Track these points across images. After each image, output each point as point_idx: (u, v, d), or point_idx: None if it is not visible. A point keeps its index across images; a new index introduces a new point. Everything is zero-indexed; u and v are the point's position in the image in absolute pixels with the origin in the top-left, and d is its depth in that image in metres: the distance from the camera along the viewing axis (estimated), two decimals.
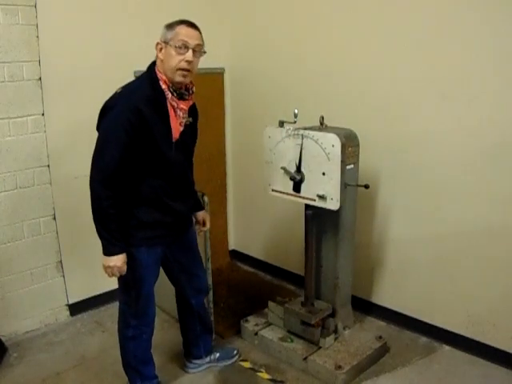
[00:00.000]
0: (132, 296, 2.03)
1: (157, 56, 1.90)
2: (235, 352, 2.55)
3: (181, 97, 1.92)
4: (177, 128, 1.93)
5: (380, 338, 2.55)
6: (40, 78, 2.63)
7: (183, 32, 1.83)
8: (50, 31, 2.61)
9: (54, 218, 2.81)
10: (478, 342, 2.49)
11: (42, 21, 2.57)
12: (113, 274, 1.92)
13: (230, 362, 2.51)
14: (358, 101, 2.74)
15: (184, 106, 1.93)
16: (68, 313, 2.97)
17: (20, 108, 2.59)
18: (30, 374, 2.43)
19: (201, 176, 3.31)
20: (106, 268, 1.91)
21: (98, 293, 3.03)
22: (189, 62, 1.83)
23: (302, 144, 2.28)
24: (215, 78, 3.41)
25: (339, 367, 2.31)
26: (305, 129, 2.29)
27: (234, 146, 3.62)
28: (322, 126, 2.36)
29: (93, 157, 1.86)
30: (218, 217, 3.53)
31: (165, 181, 1.95)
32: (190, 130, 2.03)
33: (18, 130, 2.60)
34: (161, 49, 1.87)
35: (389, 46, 2.56)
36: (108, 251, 1.89)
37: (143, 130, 1.81)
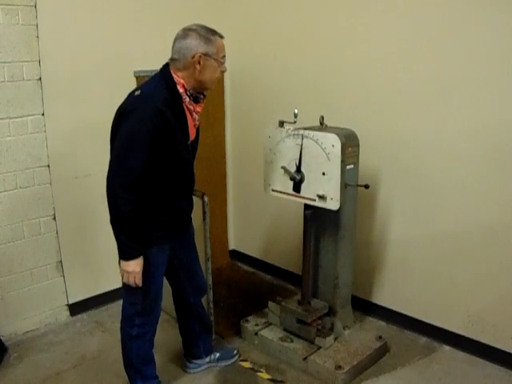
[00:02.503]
0: (139, 294, 2.02)
1: (187, 65, 1.86)
2: (235, 352, 2.55)
3: (196, 100, 1.94)
4: (192, 130, 1.97)
5: (380, 337, 2.55)
6: (40, 78, 2.63)
7: (222, 45, 1.94)
8: (50, 31, 2.61)
9: (54, 218, 2.81)
10: (478, 342, 2.49)
11: (42, 21, 2.57)
12: (129, 281, 1.90)
13: (229, 362, 2.51)
14: (358, 101, 2.74)
15: (199, 109, 1.97)
16: (68, 313, 2.97)
17: (20, 108, 2.58)
18: (30, 374, 2.43)
19: (201, 176, 3.30)
20: (124, 272, 1.89)
21: (97, 293, 3.02)
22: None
23: (302, 144, 2.28)
24: None
25: (339, 367, 2.31)
26: (305, 129, 2.29)
27: (234, 146, 3.61)
28: (322, 126, 2.36)
29: (114, 161, 1.82)
30: (217, 217, 3.53)
31: (179, 182, 1.97)
32: (196, 132, 2.06)
33: (18, 130, 2.60)
34: (199, 61, 1.86)
35: (389, 46, 2.56)
36: (127, 255, 1.86)
37: (166, 131, 1.82)
